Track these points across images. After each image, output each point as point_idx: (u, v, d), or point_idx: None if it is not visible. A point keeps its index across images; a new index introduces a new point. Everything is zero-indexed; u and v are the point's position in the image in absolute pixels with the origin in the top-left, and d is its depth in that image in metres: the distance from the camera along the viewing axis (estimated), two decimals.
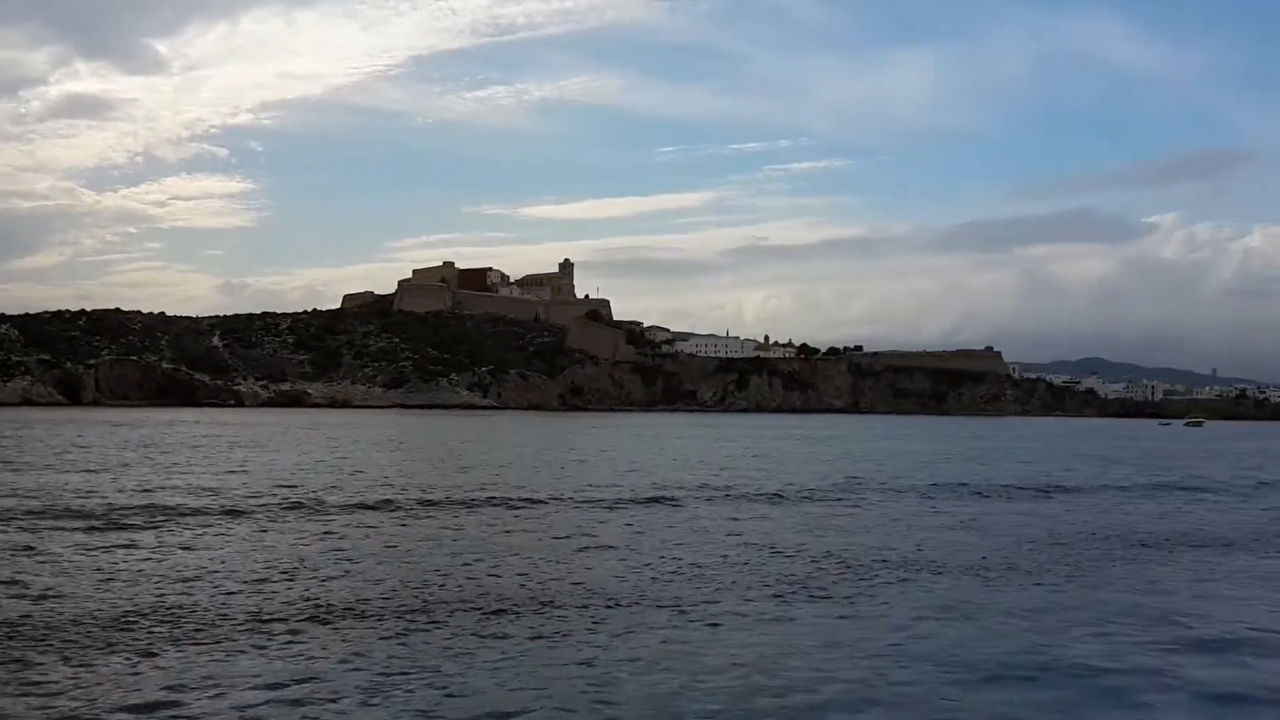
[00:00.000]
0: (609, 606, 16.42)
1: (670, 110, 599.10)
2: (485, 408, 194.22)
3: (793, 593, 17.96)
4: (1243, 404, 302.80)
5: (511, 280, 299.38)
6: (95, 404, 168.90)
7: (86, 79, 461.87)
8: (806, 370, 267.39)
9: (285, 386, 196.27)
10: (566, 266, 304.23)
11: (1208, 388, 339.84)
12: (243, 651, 13.14)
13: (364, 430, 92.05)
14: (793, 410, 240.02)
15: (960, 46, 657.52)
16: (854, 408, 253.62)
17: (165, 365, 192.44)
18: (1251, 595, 18.99)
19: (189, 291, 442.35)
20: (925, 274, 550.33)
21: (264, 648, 13.37)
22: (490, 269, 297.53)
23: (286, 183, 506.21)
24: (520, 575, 19.08)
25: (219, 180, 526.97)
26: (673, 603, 16.79)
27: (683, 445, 77.28)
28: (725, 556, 21.86)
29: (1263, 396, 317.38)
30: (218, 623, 14.72)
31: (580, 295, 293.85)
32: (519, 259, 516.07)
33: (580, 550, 22.45)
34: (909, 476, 46.78)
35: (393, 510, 29.51)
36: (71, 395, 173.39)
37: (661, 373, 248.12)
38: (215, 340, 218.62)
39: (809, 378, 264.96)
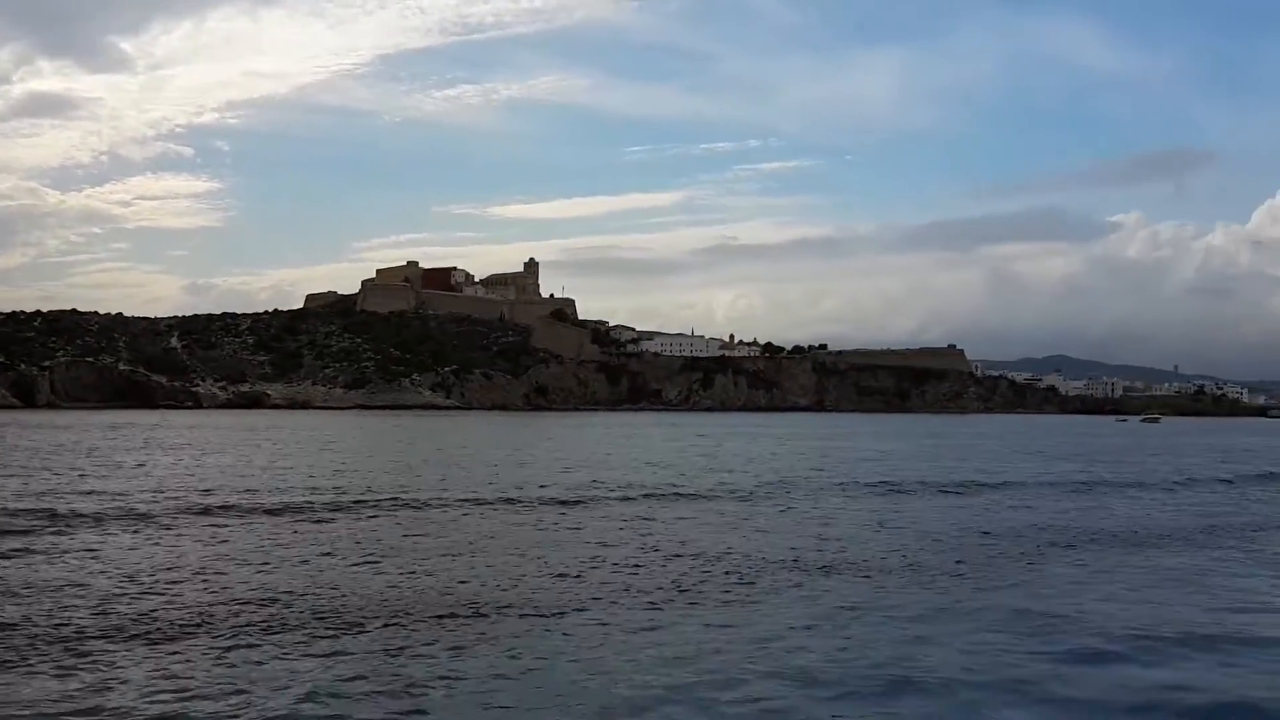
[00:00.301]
0: (468, 617, 15.61)
1: (640, 110, 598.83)
2: (448, 408, 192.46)
3: (670, 600, 17.22)
4: (1200, 400, 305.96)
5: (476, 280, 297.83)
6: (50, 407, 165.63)
7: (50, 77, 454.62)
8: (771, 369, 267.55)
9: (245, 388, 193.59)
10: (532, 266, 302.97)
11: (1168, 384, 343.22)
12: (40, 675, 12.22)
13: (314, 432, 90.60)
14: (757, 409, 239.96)
15: (927, 47, 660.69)
16: (819, 406, 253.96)
17: (122, 367, 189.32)
18: (1147, 597, 18.45)
19: (154, 292, 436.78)
20: (893, 273, 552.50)
21: (68, 670, 12.44)
22: (455, 268, 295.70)
23: (253, 182, 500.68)
24: (391, 582, 18.24)
25: (185, 180, 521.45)
26: (536, 612, 16.01)
27: (634, 444, 76.55)
28: (617, 560, 21.08)
29: (1220, 392, 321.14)
30: (36, 643, 13.74)
31: (545, 294, 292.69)
32: (489, 258, 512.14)
33: (468, 555, 21.61)
34: (846, 474, 46.25)
35: (296, 514, 28.53)
36: (26, 398, 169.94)
37: (626, 372, 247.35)
38: (174, 341, 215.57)
39: (774, 376, 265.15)
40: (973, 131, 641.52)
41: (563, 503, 32.52)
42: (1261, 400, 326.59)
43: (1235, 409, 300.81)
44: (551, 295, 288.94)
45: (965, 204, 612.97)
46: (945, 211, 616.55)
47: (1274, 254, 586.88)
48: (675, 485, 39.46)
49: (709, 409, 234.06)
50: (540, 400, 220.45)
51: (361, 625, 14.93)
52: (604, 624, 15.24)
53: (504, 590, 17.70)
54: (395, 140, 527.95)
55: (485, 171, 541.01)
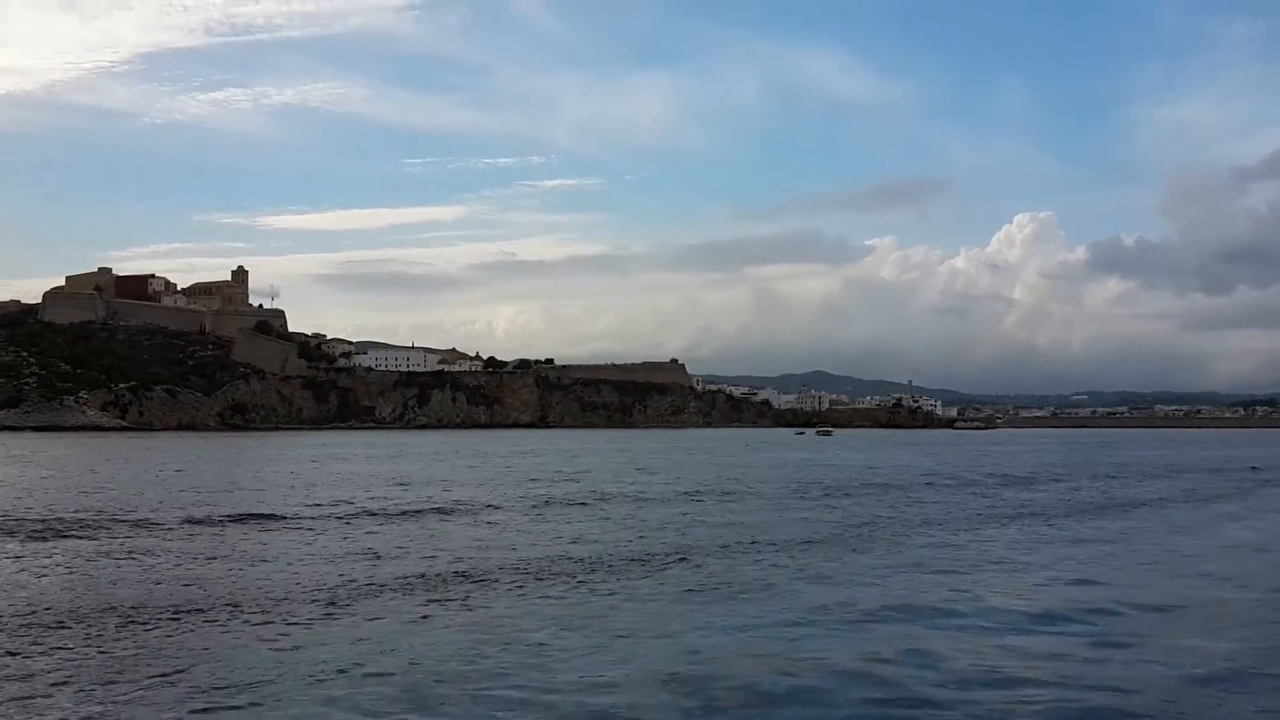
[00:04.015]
0: None
1: (419, 121, 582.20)
2: (118, 429, 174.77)
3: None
4: (897, 413, 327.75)
5: (179, 289, 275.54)
6: None
7: None
8: (493, 384, 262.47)
9: None
10: (240, 274, 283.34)
11: (869, 396, 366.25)
12: None
13: None
14: (477, 426, 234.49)
15: (694, 71, 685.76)
16: (542, 422, 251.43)
17: None
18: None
19: None
20: (665, 291, 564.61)
21: None
22: (153, 276, 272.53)
23: None
24: None
25: None
26: None
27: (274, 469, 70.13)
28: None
29: (916, 405, 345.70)
30: None
31: (259, 304, 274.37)
32: (258, 271, 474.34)
33: None
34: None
35: None
36: None
37: (336, 388, 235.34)
38: None
39: (495, 392, 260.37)
40: (738, 155, 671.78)
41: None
42: (954, 413, 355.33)
43: (928, 421, 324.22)
44: (260, 306, 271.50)
45: (732, 225, 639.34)
46: (714, 232, 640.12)
47: (1008, 277, 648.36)
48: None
49: (424, 427, 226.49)
50: (238, 420, 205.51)
51: None
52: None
53: None
54: (156, 144, 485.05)
55: (255, 180, 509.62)
